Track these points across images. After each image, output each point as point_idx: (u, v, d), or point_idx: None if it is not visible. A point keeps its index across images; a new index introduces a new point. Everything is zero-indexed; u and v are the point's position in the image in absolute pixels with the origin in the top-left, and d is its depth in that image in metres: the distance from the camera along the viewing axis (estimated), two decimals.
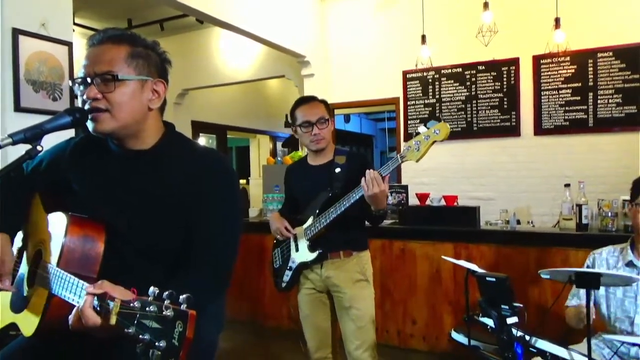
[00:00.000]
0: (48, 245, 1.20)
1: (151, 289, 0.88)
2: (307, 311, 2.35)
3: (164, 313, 0.85)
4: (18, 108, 2.62)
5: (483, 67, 4.94)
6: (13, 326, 1.31)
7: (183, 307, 0.86)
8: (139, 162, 1.26)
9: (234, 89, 7.40)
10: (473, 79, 5.00)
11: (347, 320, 2.24)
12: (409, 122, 5.32)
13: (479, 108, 4.97)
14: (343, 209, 2.10)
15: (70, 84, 1.20)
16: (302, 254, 2.27)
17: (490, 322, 1.65)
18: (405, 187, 3.97)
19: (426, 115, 5.20)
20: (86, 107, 1.16)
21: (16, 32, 2.63)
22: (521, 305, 1.58)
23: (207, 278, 1.18)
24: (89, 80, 1.15)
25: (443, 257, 2.45)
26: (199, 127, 7.17)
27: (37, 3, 2.76)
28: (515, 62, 4.80)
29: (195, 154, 1.30)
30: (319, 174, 2.31)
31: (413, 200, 4.01)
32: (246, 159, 9.16)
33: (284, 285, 2.36)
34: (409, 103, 5.32)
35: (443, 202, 3.71)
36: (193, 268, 1.19)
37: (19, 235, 1.36)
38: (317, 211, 2.21)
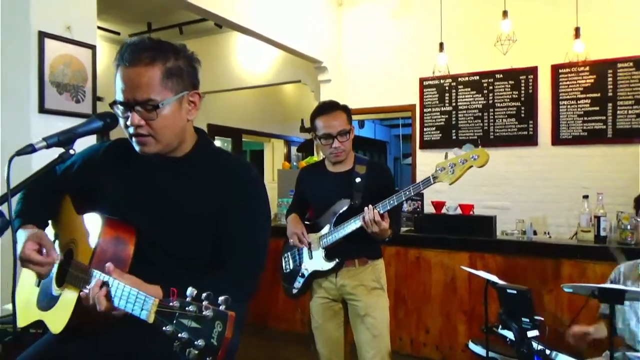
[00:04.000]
0: (80, 245, 1.22)
1: (189, 289, 0.91)
2: (319, 320, 2.32)
3: (203, 313, 0.87)
4: (42, 109, 2.66)
5: (501, 76, 4.91)
6: (34, 324, 1.33)
7: (222, 308, 0.88)
8: (172, 169, 1.28)
9: (250, 93, 7.44)
10: (490, 87, 4.98)
11: (363, 329, 2.22)
12: (424, 129, 5.31)
13: (496, 117, 4.95)
14: (360, 224, 2.08)
15: (110, 106, 1.21)
16: (316, 262, 2.25)
17: (509, 334, 1.64)
18: (421, 195, 3.95)
19: (442, 123, 5.19)
20: (130, 131, 1.20)
21: (42, 35, 2.67)
22: (542, 318, 1.57)
23: (236, 283, 1.20)
24: (128, 105, 1.18)
25: (462, 267, 2.43)
26: (214, 130, 7.22)
27: (62, 7, 2.81)
28: (533, 71, 4.77)
29: (226, 162, 1.33)
30: (338, 181, 2.28)
31: (428, 208, 4.00)
32: (260, 163, 9.20)
33: (294, 292, 2.34)
34: (425, 110, 5.30)
35: (459, 211, 3.69)
36: (223, 272, 1.20)
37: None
38: (335, 220, 2.19)
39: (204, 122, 6.91)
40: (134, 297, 1.00)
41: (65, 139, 1.14)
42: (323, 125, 2.21)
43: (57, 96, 2.74)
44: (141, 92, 1.16)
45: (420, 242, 3.59)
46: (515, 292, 1.59)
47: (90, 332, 1.19)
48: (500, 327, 1.69)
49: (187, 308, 0.88)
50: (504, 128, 4.91)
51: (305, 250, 2.30)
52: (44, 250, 1.20)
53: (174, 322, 0.88)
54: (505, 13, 4.25)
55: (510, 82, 4.88)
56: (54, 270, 1.26)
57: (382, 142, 11.81)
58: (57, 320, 1.20)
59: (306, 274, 2.28)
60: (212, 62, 6.47)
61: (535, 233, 3.55)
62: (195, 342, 0.85)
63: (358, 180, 2.23)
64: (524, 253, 3.27)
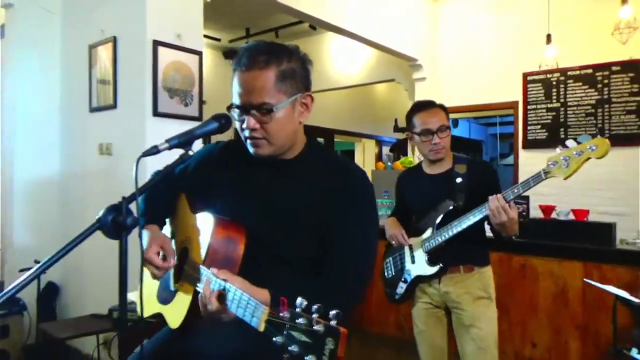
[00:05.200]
0: (194, 244, 1.26)
1: (299, 300, 0.87)
2: (422, 327, 2.24)
3: (314, 327, 0.83)
4: (156, 113, 2.85)
5: (619, 68, 4.46)
6: (155, 316, 1.40)
7: (333, 323, 0.84)
8: (283, 170, 1.29)
9: (342, 93, 7.47)
10: (606, 81, 4.53)
11: (467, 340, 2.10)
12: (528, 127, 4.97)
13: (612, 113, 4.50)
14: (466, 225, 1.97)
15: (227, 109, 1.25)
16: (419, 266, 2.17)
17: None
18: (527, 198, 3.69)
19: (549, 121, 4.82)
20: (245, 134, 1.22)
21: (156, 44, 2.86)
22: None
23: (343, 292, 1.17)
24: (244, 109, 1.20)
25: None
26: (307, 130, 7.32)
27: (173, 17, 2.99)
28: None
29: (335, 165, 1.31)
30: (437, 183, 2.19)
31: (535, 213, 3.72)
32: None
33: (397, 297, 2.27)
34: (529, 107, 4.96)
35: (571, 216, 3.39)
36: (330, 280, 1.18)
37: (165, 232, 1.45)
38: (437, 223, 2.10)
39: None
40: (245, 303, 1.00)
41: (184, 140, 1.17)
42: (422, 121, 2.15)
43: (168, 100, 2.92)
44: (256, 96, 1.18)
45: (526, 249, 3.34)
46: None
47: (205, 330, 1.22)
48: (635, 350, 1.50)
49: (297, 320, 0.85)
50: (622, 125, 4.45)
51: (407, 255, 2.23)
52: (162, 255, 1.27)
53: (285, 333, 0.86)
54: None
55: (630, 74, 4.41)
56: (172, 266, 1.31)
57: (477, 141, 11.29)
58: (174, 315, 1.25)
59: (409, 279, 2.21)
60: None
61: None
62: (306, 357, 0.82)
63: (459, 180, 2.12)
64: None
